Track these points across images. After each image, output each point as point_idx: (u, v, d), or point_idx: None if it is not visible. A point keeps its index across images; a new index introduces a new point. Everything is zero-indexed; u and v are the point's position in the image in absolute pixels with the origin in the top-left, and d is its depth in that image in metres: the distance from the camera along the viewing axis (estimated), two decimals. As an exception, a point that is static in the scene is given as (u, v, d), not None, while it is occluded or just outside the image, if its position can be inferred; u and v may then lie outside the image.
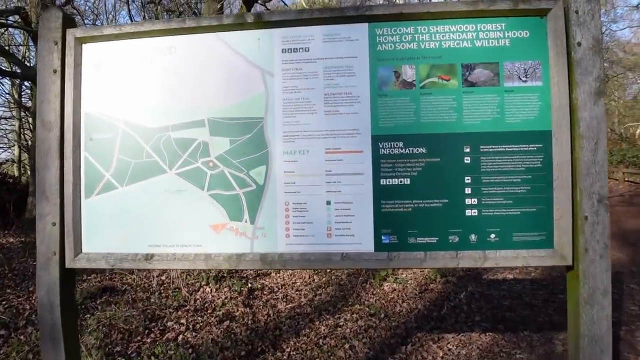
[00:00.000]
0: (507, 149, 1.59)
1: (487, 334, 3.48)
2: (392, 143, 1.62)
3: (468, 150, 1.60)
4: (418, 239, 1.61)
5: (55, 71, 1.73)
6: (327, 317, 3.79)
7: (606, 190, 1.57)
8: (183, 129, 1.72)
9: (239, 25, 1.69)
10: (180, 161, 1.71)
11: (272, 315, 3.85)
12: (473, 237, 1.59)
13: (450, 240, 1.60)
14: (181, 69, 1.73)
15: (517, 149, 1.59)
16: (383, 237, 1.62)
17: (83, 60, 1.76)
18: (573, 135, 1.56)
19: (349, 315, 3.81)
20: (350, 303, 4.16)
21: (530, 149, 1.59)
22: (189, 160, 1.71)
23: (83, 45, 1.77)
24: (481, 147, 1.59)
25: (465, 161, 1.60)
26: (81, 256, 1.73)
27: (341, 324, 3.61)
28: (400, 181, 1.61)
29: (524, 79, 1.60)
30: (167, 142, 1.72)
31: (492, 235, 1.59)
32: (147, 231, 1.72)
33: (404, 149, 1.62)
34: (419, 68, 1.62)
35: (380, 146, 1.62)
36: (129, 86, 1.75)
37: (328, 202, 1.64)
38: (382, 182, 1.62)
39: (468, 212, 1.60)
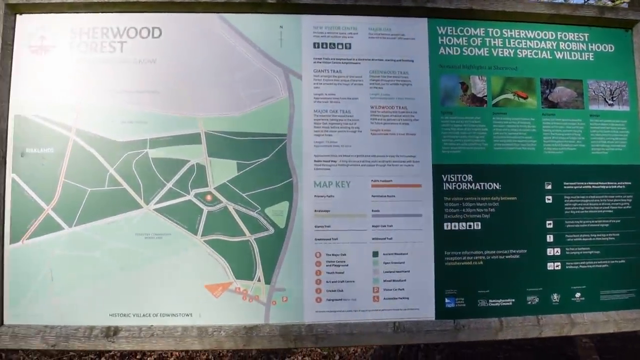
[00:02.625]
0: (593, 186, 1.40)
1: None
2: (459, 175, 1.35)
3: (550, 187, 1.38)
4: (490, 301, 1.34)
5: (-33, 50, 1.24)
6: (276, 360, 3.44)
7: (698, 238, 1.43)
8: (167, 145, 1.30)
9: (255, 5, 1.33)
10: (163, 192, 1.29)
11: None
12: (555, 297, 1.36)
13: (529, 302, 1.35)
14: (167, 60, 1.32)
15: (604, 187, 1.40)
16: (447, 300, 1.33)
17: (16, 38, 1.29)
18: (665, 172, 1.41)
19: (300, 357, 3.52)
20: (300, 343, 3.84)
21: (618, 186, 1.41)
22: (175, 191, 1.29)
23: (18, 16, 1.30)
24: (564, 183, 1.38)
25: (547, 201, 1.38)
26: (2, 331, 1.23)
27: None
28: (469, 226, 1.35)
29: (610, 102, 1.42)
30: (142, 164, 1.29)
31: (578, 295, 1.37)
32: (108, 294, 1.26)
33: (473, 184, 1.35)
34: (491, 80, 1.39)
35: (444, 179, 1.35)
36: (86, 80, 1.30)
37: (375, 253, 1.32)
38: (446, 226, 1.34)
39: (550, 266, 1.37)
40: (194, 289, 1.28)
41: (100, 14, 1.32)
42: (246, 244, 1.30)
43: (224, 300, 1.29)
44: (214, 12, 1.34)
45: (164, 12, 1.33)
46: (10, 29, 1.28)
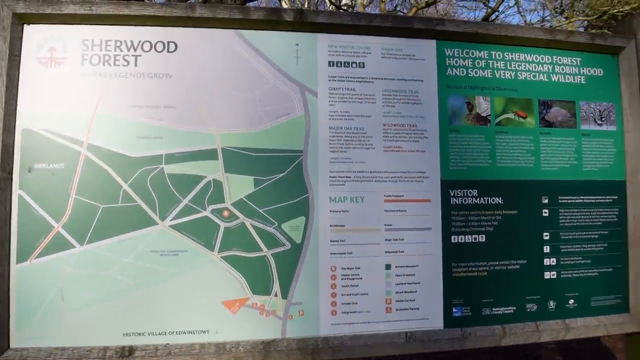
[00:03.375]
0: (584, 200, 1.55)
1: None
2: (465, 191, 1.47)
3: (546, 201, 1.52)
4: (494, 309, 1.47)
5: (-28, 61, 1.23)
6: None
7: (674, 247, 1.62)
8: (184, 160, 1.34)
9: (272, 23, 1.39)
10: (179, 208, 1.32)
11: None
12: (552, 304, 1.51)
13: (529, 309, 1.49)
14: (183, 75, 1.36)
15: (594, 201, 1.56)
16: (454, 310, 1.44)
17: (24, 49, 1.29)
18: (647, 187, 1.59)
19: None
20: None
21: (606, 200, 1.57)
22: (192, 207, 1.33)
23: (26, 26, 1.29)
24: (560, 198, 1.53)
25: (544, 214, 1.52)
26: (9, 355, 1.22)
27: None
28: (475, 238, 1.47)
29: (599, 122, 1.59)
30: (157, 180, 1.32)
31: (571, 301, 1.52)
32: (122, 313, 1.28)
33: (478, 199, 1.47)
34: (494, 101, 1.51)
35: (452, 194, 1.46)
36: (98, 94, 1.32)
37: (388, 266, 1.41)
38: (454, 239, 1.45)
39: (547, 275, 1.51)
40: (211, 306, 1.32)
41: (113, 26, 1.33)
42: (263, 259, 1.35)
43: (241, 315, 1.34)
44: (231, 29, 1.38)
45: (180, 26, 1.36)
46: (17, 40, 1.27)
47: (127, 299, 1.29)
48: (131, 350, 1.28)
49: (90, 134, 1.30)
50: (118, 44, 1.34)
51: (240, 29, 1.39)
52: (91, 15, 1.30)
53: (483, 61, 1.52)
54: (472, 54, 1.52)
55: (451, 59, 1.50)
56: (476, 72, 1.51)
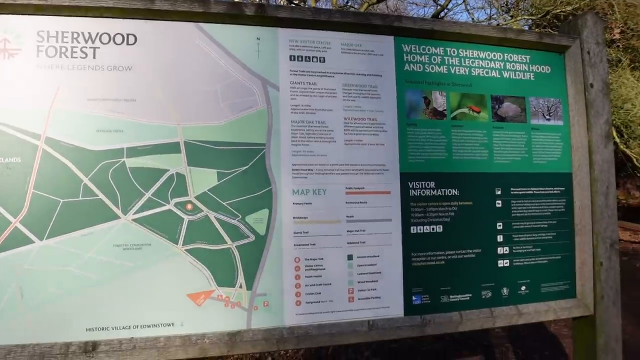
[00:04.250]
0: (534, 192, 1.73)
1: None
2: (423, 183, 1.60)
3: (499, 192, 1.68)
4: (451, 297, 1.61)
5: None
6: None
7: (617, 234, 1.82)
8: (146, 154, 1.40)
9: (233, 17, 1.48)
10: (141, 201, 1.39)
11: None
12: (505, 290, 1.67)
13: (484, 296, 1.65)
14: (143, 68, 1.42)
15: (543, 192, 1.74)
16: (414, 298, 1.58)
17: (-23, 40, 1.31)
18: (591, 178, 1.78)
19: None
20: None
21: (554, 192, 1.76)
22: (155, 201, 1.40)
23: (-22, 15, 1.31)
24: (511, 189, 1.70)
25: (497, 205, 1.68)
26: (-37, 357, 1.25)
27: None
28: (433, 228, 1.61)
29: (547, 117, 1.77)
30: (119, 173, 1.38)
31: (523, 288, 1.69)
32: (85, 308, 1.34)
33: (435, 190, 1.62)
34: (450, 96, 1.66)
35: (411, 186, 1.59)
36: (55, 86, 1.36)
37: (350, 257, 1.53)
38: (413, 229, 1.59)
39: (500, 263, 1.67)
40: (176, 299, 1.40)
41: (70, 17, 1.38)
42: (227, 251, 1.44)
43: (206, 308, 1.42)
44: (192, 22, 1.46)
45: (140, 19, 1.42)
46: (-31, 30, 1.30)
47: (89, 293, 1.34)
48: (95, 345, 1.33)
49: (48, 127, 1.34)
50: (75, 35, 1.38)
51: (201, 22, 1.47)
52: (46, 6, 1.34)
53: (439, 57, 1.67)
54: (429, 50, 1.66)
55: (409, 55, 1.64)
56: (432, 68, 1.66)
